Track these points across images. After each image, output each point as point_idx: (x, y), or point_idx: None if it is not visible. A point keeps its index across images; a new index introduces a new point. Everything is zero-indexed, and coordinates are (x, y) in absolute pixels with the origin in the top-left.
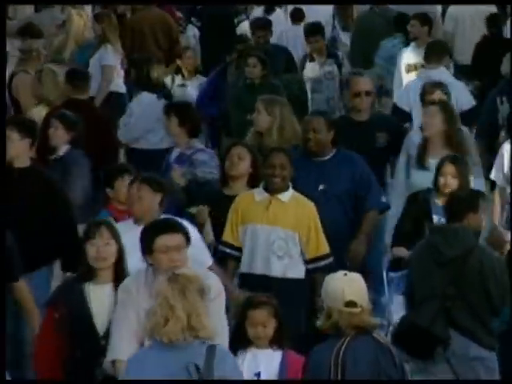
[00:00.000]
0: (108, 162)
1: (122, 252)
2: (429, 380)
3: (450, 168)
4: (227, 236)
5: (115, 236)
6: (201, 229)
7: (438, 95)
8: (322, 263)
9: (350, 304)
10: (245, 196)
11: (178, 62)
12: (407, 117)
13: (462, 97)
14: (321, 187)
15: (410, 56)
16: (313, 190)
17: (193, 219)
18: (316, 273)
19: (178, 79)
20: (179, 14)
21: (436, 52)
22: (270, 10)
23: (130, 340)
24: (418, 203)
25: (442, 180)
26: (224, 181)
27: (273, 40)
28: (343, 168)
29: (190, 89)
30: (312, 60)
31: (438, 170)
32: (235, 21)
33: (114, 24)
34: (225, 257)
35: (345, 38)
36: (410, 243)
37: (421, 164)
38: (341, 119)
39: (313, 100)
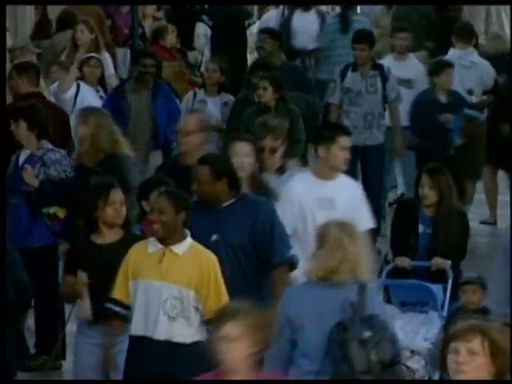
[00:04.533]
0: None
1: None
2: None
3: (426, 180)
4: (115, 292)
5: None
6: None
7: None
8: None
9: None
10: (138, 247)
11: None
12: None
13: (488, 75)
14: (214, 237)
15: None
16: (205, 240)
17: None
18: None
19: (201, 94)
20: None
21: (465, 33)
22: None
23: None
24: (407, 210)
25: (420, 192)
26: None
27: None
28: (243, 216)
29: (210, 106)
30: (355, 70)
31: (417, 182)
32: (245, 23)
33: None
34: (110, 315)
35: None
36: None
37: None
38: (170, 161)
39: (348, 114)
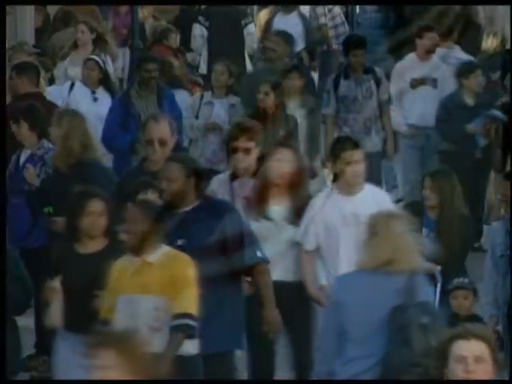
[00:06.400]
0: None
1: None
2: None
3: (428, 182)
4: (102, 311)
5: None
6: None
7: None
8: (184, 321)
9: None
10: (119, 261)
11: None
12: None
13: None
14: (179, 242)
15: (414, 70)
16: (169, 244)
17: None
18: (175, 332)
19: (208, 96)
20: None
21: (446, 32)
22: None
23: None
24: (412, 212)
25: (423, 193)
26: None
27: None
28: (209, 219)
29: (217, 108)
30: (347, 77)
31: (422, 184)
32: (242, 22)
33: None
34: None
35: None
36: None
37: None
38: (135, 169)
39: (347, 121)
